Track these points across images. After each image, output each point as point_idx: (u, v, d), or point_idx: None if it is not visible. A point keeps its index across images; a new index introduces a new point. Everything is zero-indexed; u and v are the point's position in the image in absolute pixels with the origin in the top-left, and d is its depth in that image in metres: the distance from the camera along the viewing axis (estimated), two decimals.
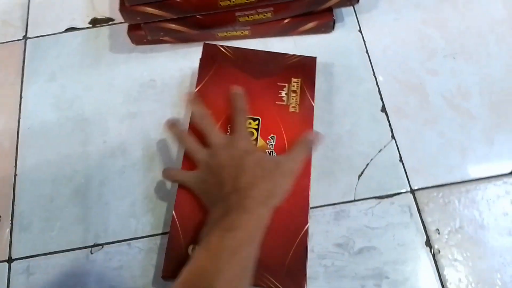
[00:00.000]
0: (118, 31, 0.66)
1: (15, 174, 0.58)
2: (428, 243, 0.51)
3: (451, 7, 0.65)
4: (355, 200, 0.54)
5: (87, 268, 0.52)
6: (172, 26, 0.59)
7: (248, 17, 0.60)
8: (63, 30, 0.67)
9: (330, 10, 0.62)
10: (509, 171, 0.55)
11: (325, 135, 0.57)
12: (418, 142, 0.57)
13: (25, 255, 0.53)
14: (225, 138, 0.50)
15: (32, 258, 0.53)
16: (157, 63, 0.63)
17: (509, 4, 0.64)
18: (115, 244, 0.53)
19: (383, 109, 0.59)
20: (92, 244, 0.53)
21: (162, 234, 0.53)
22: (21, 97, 0.62)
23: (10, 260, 0.53)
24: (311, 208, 0.52)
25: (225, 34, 0.63)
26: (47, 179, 0.57)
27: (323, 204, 0.54)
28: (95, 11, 0.68)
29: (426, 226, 0.53)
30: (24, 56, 0.65)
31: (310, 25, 0.62)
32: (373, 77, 0.61)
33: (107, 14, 0.68)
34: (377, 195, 0.54)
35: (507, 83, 0.59)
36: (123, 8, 0.56)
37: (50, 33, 0.67)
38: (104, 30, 0.66)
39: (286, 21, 0.62)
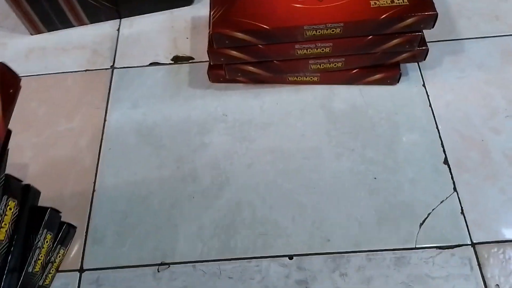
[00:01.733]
0: (197, 69, 0.72)
1: (94, 190, 0.62)
2: None
3: None
4: (416, 248, 0.55)
5: (153, 285, 0.55)
6: (250, 68, 0.65)
7: (320, 65, 0.65)
8: (147, 64, 0.74)
9: (397, 64, 0.66)
10: None
11: (388, 181, 0.59)
12: (480, 197, 0.58)
13: (96, 267, 0.57)
14: None
15: (103, 270, 0.56)
16: (230, 100, 0.68)
17: None
18: (181, 264, 0.56)
19: (446, 161, 0.61)
20: (160, 262, 0.56)
21: (225, 260, 0.56)
22: (105, 120, 0.68)
23: (81, 270, 0.57)
24: (371, 251, 0.53)
25: (295, 78, 0.68)
26: (123, 197, 0.61)
27: (383, 248, 0.55)
28: (177, 50, 0.75)
29: (486, 281, 0.53)
30: (110, 83, 0.72)
31: (377, 76, 0.66)
32: (436, 130, 0.63)
33: (187, 53, 0.74)
34: (438, 244, 0.55)
35: None
36: (211, 50, 0.62)
37: (135, 65, 0.74)
38: (184, 67, 0.73)
39: (354, 71, 0.66)
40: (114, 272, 0.56)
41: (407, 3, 0.58)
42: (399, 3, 0.58)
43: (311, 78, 0.68)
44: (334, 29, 0.59)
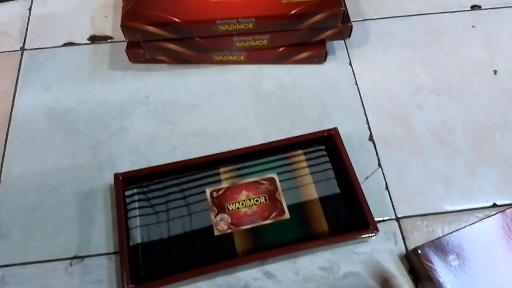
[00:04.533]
0: (116, 49, 0.67)
1: None
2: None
3: (437, 48, 0.68)
4: None
5: (65, 280, 0.51)
6: (171, 46, 0.61)
7: (245, 42, 0.62)
8: (61, 44, 0.68)
9: (323, 42, 0.65)
10: (490, 204, 0.56)
11: None
12: (404, 172, 0.58)
13: (1, 264, 0.51)
14: None
15: (8, 267, 0.51)
16: (153, 81, 0.65)
17: (490, 48, 0.68)
18: (96, 257, 0.52)
19: (371, 138, 0.60)
20: (73, 256, 0.52)
21: None
22: (12, 106, 0.62)
23: None
24: None
25: (221, 58, 0.65)
26: (32, 188, 0.56)
27: None
28: (95, 29, 0.70)
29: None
30: (19, 66, 0.66)
31: (304, 55, 0.65)
32: (362, 107, 0.63)
33: (106, 33, 0.69)
34: None
35: (488, 120, 0.62)
36: (124, 25, 0.57)
37: (47, 46, 0.68)
38: (102, 47, 0.68)
39: (281, 49, 0.64)
40: (22, 269, 0.51)
41: (317, 0, 0.59)
42: None
43: (238, 57, 0.65)
44: (247, 24, 0.59)
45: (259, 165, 0.55)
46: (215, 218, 0.51)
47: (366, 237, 0.51)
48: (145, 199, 0.52)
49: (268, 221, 0.51)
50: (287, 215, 0.52)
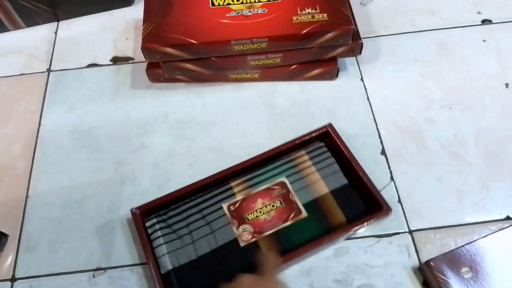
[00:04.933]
0: (137, 69, 0.71)
1: (27, 197, 0.60)
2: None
3: (448, 62, 0.70)
4: (354, 238, 0.55)
5: None
6: (188, 66, 0.64)
7: (258, 61, 0.65)
8: (85, 65, 0.72)
9: (334, 59, 0.66)
10: (504, 216, 0.56)
11: None
12: (417, 185, 0.59)
13: (28, 275, 0.54)
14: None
15: (35, 279, 0.54)
16: (171, 100, 0.67)
17: (502, 62, 0.69)
18: (117, 269, 0.54)
19: (383, 152, 0.62)
20: (95, 267, 0.54)
21: None
22: (39, 124, 0.66)
23: (13, 280, 0.54)
24: None
25: (236, 76, 0.68)
26: (58, 203, 0.59)
27: None
28: (117, 51, 0.73)
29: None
30: (46, 87, 0.70)
31: (316, 71, 0.67)
32: (374, 122, 0.64)
33: (127, 54, 0.73)
34: (376, 233, 0.56)
35: (500, 134, 0.63)
36: (145, 47, 0.61)
37: (72, 68, 0.72)
38: (124, 68, 0.71)
39: (293, 67, 0.66)
40: (48, 280, 0.54)
41: (327, 19, 0.61)
42: (319, 18, 0.61)
43: (252, 75, 0.68)
44: (260, 44, 0.61)
45: (267, 172, 0.57)
46: (237, 230, 0.53)
47: (381, 218, 0.52)
48: (166, 226, 0.54)
49: (288, 223, 0.53)
50: (304, 214, 0.54)
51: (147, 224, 0.54)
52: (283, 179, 0.56)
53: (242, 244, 0.52)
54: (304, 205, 0.54)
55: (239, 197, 0.55)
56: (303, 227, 0.53)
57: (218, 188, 0.56)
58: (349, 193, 0.55)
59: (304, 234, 0.52)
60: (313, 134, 0.59)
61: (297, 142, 0.59)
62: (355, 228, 0.52)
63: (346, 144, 0.58)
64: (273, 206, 0.54)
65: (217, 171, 0.57)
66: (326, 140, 0.60)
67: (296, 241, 0.52)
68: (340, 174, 0.57)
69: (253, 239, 0.52)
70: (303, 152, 0.59)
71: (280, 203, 0.55)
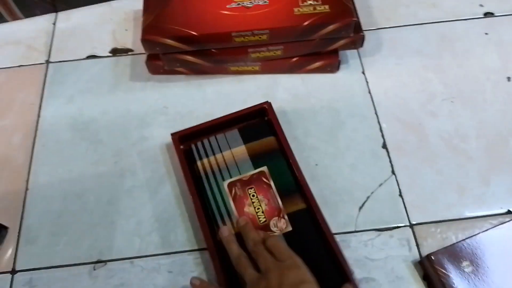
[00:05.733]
0: (137, 61, 0.70)
1: (27, 189, 0.59)
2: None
3: (450, 55, 0.69)
4: (355, 231, 0.55)
5: (89, 284, 0.53)
6: (188, 58, 0.63)
7: (259, 53, 0.64)
8: (84, 57, 0.71)
9: (336, 52, 0.66)
10: (505, 210, 0.56)
11: (329, 167, 0.59)
12: (417, 179, 0.59)
13: (28, 268, 0.54)
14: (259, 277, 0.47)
15: (36, 271, 0.54)
16: (171, 92, 0.67)
17: (504, 55, 0.69)
18: (118, 261, 0.54)
19: (384, 145, 0.61)
20: (96, 260, 0.54)
21: (165, 254, 0.54)
22: (39, 116, 0.65)
23: (13, 272, 0.54)
24: None
25: (237, 68, 0.67)
26: (57, 196, 0.59)
27: None
28: (116, 42, 0.73)
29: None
30: (45, 78, 0.69)
31: (317, 64, 0.66)
32: (375, 115, 0.64)
33: (127, 45, 0.72)
34: (377, 227, 0.56)
35: (502, 127, 0.62)
36: (145, 39, 0.60)
37: (71, 59, 0.71)
38: (123, 59, 0.71)
39: (294, 59, 0.66)
40: (48, 272, 0.54)
41: (329, 10, 0.60)
42: (321, 10, 0.60)
43: (253, 68, 0.67)
44: (261, 36, 0.60)
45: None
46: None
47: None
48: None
49: None
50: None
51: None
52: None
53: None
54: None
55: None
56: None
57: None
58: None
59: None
60: (253, 109, 0.61)
61: (237, 115, 0.60)
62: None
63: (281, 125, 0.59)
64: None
65: None
66: (265, 119, 0.61)
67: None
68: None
69: None
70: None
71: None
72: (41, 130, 0.64)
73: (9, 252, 0.55)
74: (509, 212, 0.56)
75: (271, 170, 0.56)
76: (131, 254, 0.54)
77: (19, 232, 0.57)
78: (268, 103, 0.61)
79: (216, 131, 0.60)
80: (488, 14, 0.74)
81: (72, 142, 0.63)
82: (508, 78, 0.67)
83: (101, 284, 0.53)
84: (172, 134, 0.59)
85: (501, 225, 0.54)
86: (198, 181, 0.57)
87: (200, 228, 0.53)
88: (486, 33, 0.71)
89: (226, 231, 0.52)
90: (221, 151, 0.58)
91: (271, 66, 0.67)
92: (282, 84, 0.68)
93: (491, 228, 0.54)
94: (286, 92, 0.67)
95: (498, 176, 0.59)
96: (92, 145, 0.62)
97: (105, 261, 0.54)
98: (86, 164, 0.61)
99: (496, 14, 0.73)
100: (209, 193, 0.55)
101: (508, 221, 0.54)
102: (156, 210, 0.57)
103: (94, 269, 0.54)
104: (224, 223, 0.53)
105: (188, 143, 0.59)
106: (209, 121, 0.60)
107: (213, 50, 0.63)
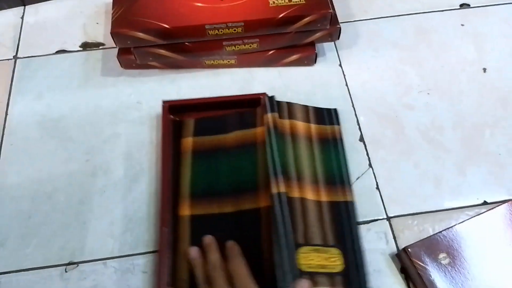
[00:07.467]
0: (108, 55, 0.68)
1: None
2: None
3: (426, 47, 0.69)
4: None
5: (61, 286, 0.51)
6: (161, 51, 0.62)
7: (234, 46, 0.63)
8: (54, 52, 0.69)
9: (312, 44, 0.65)
10: (481, 201, 0.57)
11: None
12: (394, 172, 0.59)
13: None
14: None
15: (5, 275, 0.52)
16: (144, 87, 0.65)
17: (479, 47, 0.69)
18: (90, 263, 0.53)
19: (361, 139, 0.61)
20: (67, 262, 0.53)
21: (139, 254, 0.53)
22: (6, 114, 0.63)
23: None
24: None
25: (212, 62, 0.66)
26: (27, 196, 0.57)
27: None
28: (87, 36, 0.70)
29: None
30: (13, 75, 0.67)
31: (294, 57, 0.65)
32: (352, 108, 0.63)
33: (98, 39, 0.70)
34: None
35: (478, 119, 0.63)
36: (114, 32, 0.58)
37: (40, 54, 0.68)
38: (94, 53, 0.68)
39: (271, 52, 0.65)
40: (17, 276, 0.52)
41: (304, 2, 0.59)
42: (296, 2, 0.59)
43: (229, 61, 0.66)
44: (236, 28, 0.59)
45: None
46: None
47: None
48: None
49: None
50: None
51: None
52: None
53: None
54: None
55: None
56: None
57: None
58: None
59: None
60: (249, 97, 0.61)
61: (234, 98, 0.62)
62: None
63: None
64: None
65: None
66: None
67: None
68: None
69: None
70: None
71: None
72: (8, 128, 0.62)
73: None
74: (485, 203, 0.56)
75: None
76: (104, 255, 0.53)
77: None
78: (264, 94, 0.61)
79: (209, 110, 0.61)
80: (464, 6, 0.74)
81: (41, 140, 0.61)
82: (484, 69, 0.67)
83: (73, 286, 0.51)
84: (164, 102, 0.60)
85: (478, 216, 0.54)
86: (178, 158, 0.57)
87: (160, 206, 0.53)
88: (462, 25, 0.71)
89: (194, 252, 0.50)
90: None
91: (247, 60, 0.66)
92: (258, 77, 0.67)
93: (468, 219, 0.54)
94: (263, 86, 0.66)
95: (474, 167, 0.59)
96: (62, 143, 0.60)
97: (77, 263, 0.52)
98: (56, 162, 0.59)
99: (472, 6, 0.74)
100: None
101: (484, 212, 0.55)
102: (129, 209, 0.56)
103: (66, 271, 0.52)
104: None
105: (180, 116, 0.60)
106: (203, 98, 0.61)
107: (186, 43, 0.61)
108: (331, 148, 0.58)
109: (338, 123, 0.61)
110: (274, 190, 0.51)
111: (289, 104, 0.61)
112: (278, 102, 0.60)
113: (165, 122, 0.58)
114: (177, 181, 0.55)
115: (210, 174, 0.56)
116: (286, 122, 0.58)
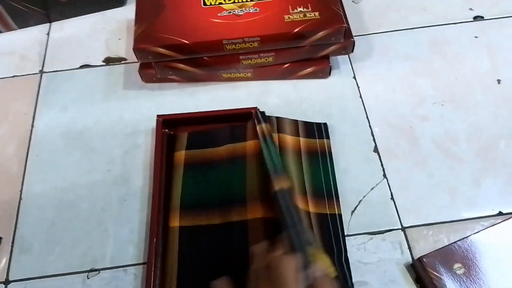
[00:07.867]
0: (130, 70, 0.71)
1: (20, 199, 0.60)
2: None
3: (440, 59, 0.70)
4: (348, 235, 0.55)
5: None
6: (181, 66, 0.64)
7: (251, 60, 0.65)
8: (78, 66, 0.72)
9: (327, 57, 0.67)
10: (496, 212, 0.57)
11: None
12: (409, 182, 0.59)
13: (22, 277, 0.54)
14: None
15: (30, 281, 0.54)
16: (164, 100, 0.67)
17: (493, 59, 0.69)
18: (111, 269, 0.54)
19: (376, 149, 0.62)
20: (89, 269, 0.54)
21: None
22: (32, 126, 0.66)
23: (7, 282, 0.54)
24: None
25: (229, 75, 0.68)
26: (51, 204, 0.59)
27: None
28: (109, 51, 0.73)
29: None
30: (39, 88, 0.70)
31: (308, 70, 0.67)
32: (367, 120, 0.64)
33: (120, 54, 0.73)
34: (369, 231, 0.56)
35: (492, 130, 0.63)
36: (137, 48, 0.61)
37: (65, 69, 0.71)
38: (117, 68, 0.71)
39: (286, 65, 0.66)
40: (42, 282, 0.54)
41: (319, 17, 0.61)
42: (311, 17, 0.61)
43: (245, 75, 0.68)
44: (252, 43, 0.61)
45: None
46: None
47: None
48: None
49: None
50: None
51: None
52: None
53: None
54: None
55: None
56: None
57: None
58: None
59: None
60: (242, 111, 0.63)
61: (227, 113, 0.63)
62: None
63: None
64: None
65: None
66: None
67: None
68: None
69: None
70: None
71: None
72: (34, 140, 0.64)
73: (3, 262, 0.55)
74: (500, 213, 0.57)
75: None
76: (124, 262, 0.55)
77: (12, 242, 0.57)
78: (255, 108, 0.62)
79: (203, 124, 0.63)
80: (478, 18, 0.74)
81: (66, 151, 0.63)
82: (498, 81, 0.67)
83: None
84: (158, 116, 0.62)
85: (493, 227, 0.54)
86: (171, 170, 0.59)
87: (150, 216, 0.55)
88: (476, 37, 0.72)
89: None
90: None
91: (263, 73, 0.68)
92: (274, 90, 0.68)
93: (483, 229, 0.54)
94: (278, 98, 0.67)
95: (489, 178, 0.59)
96: (85, 154, 0.63)
97: (98, 270, 0.54)
98: (80, 172, 0.61)
99: (485, 18, 0.74)
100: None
101: (500, 222, 0.55)
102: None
103: (88, 278, 0.54)
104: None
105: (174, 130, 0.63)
106: (196, 112, 0.64)
107: (205, 58, 0.63)
108: (320, 161, 0.59)
109: (328, 137, 0.62)
110: (277, 187, 0.52)
111: (278, 119, 0.62)
112: (268, 117, 0.61)
113: (158, 136, 0.60)
114: (169, 193, 0.57)
115: (200, 187, 0.57)
116: (275, 136, 0.60)
